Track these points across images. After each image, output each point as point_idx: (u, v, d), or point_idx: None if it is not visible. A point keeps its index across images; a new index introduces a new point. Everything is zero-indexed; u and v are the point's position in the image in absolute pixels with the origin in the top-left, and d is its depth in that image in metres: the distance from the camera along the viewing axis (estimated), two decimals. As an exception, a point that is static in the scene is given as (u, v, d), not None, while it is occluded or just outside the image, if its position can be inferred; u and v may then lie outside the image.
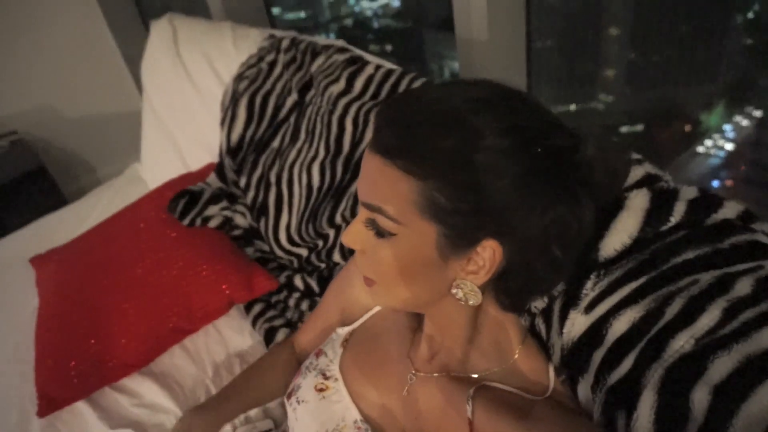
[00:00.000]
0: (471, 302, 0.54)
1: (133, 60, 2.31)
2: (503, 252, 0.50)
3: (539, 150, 0.48)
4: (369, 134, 1.00)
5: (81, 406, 1.02)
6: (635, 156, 0.68)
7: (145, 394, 1.04)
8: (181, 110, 1.54)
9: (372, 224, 0.53)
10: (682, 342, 0.50)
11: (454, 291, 0.54)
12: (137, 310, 1.07)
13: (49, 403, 1.01)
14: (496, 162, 0.47)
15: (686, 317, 0.51)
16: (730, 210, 0.58)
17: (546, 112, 0.53)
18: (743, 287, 0.50)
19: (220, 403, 0.85)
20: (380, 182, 0.50)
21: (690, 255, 0.55)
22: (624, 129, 1.56)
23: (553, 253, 0.52)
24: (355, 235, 0.55)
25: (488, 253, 0.51)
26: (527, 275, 0.54)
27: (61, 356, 1.05)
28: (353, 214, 0.99)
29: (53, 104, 2.55)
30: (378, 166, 0.50)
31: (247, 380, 0.89)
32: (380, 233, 0.52)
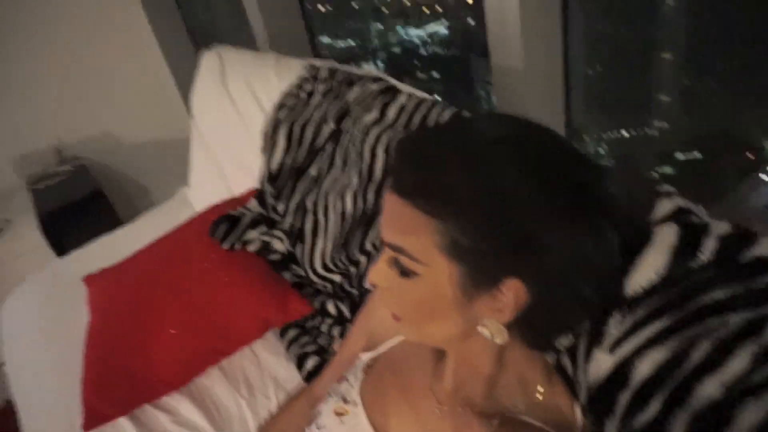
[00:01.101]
0: (497, 341, 0.53)
1: (185, 88, 2.43)
2: (527, 290, 0.49)
3: (561, 186, 0.48)
4: (390, 167, 1.01)
5: (122, 422, 1.06)
6: (666, 189, 0.66)
7: (182, 413, 1.07)
8: (227, 137, 1.61)
9: (395, 264, 0.53)
10: (711, 389, 0.48)
11: (480, 329, 0.54)
12: (178, 331, 1.11)
13: (94, 417, 1.05)
14: (517, 200, 0.47)
15: (714, 362, 0.49)
16: (765, 247, 0.56)
17: (568, 145, 0.52)
18: None
19: None
20: (401, 223, 0.50)
21: (720, 295, 0.53)
22: (680, 156, 1.51)
23: (578, 290, 0.51)
24: (380, 272, 0.55)
25: (512, 292, 0.50)
26: (553, 312, 0.53)
27: (106, 372, 1.09)
28: (382, 242, 1.00)
29: (112, 131, 2.71)
30: (398, 207, 0.50)
31: None
32: (404, 272, 0.52)
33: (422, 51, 2.00)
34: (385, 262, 0.55)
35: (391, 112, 1.07)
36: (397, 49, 2.12)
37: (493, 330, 0.53)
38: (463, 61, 1.88)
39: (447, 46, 1.94)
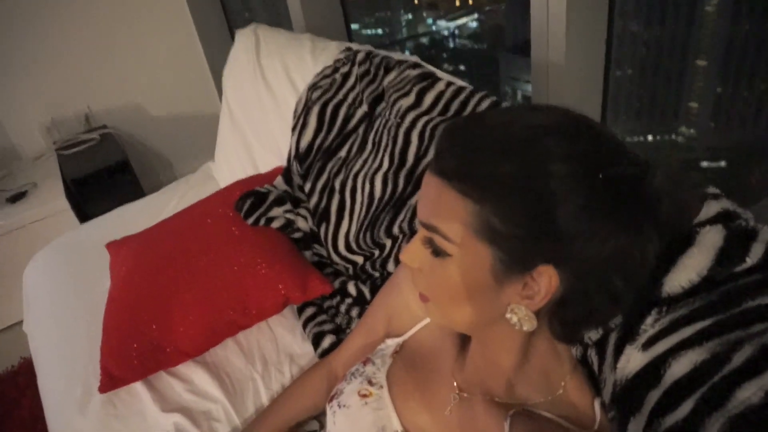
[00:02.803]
0: (525, 328, 0.53)
1: (217, 67, 2.45)
2: (560, 279, 0.50)
3: (603, 177, 0.47)
4: (434, 149, 1.00)
5: (138, 387, 1.08)
6: (713, 191, 0.64)
7: (196, 382, 1.08)
8: (256, 115, 1.61)
9: (429, 243, 0.53)
10: (750, 393, 0.46)
11: (508, 316, 0.54)
12: (197, 301, 1.12)
13: (111, 380, 1.06)
14: (557, 188, 0.47)
15: (756, 366, 0.47)
16: None
17: (612, 138, 0.51)
18: None
19: None
20: (438, 204, 0.51)
21: (766, 300, 0.51)
22: (705, 164, 1.48)
23: (612, 284, 0.51)
24: (413, 253, 0.56)
25: (544, 280, 0.50)
26: (584, 305, 0.53)
27: (125, 338, 1.10)
28: (411, 227, 0.99)
29: (141, 103, 2.74)
30: (436, 188, 0.51)
31: (276, 406, 0.94)
32: (437, 252, 0.53)
33: (450, 43, 1.99)
34: (419, 242, 0.55)
35: (428, 99, 1.07)
36: (425, 40, 2.11)
37: (521, 316, 0.53)
38: (491, 56, 1.87)
39: (476, 40, 1.93)
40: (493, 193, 0.48)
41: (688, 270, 0.56)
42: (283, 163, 1.45)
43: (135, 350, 1.09)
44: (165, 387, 1.08)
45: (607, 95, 1.39)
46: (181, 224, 1.36)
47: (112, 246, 1.43)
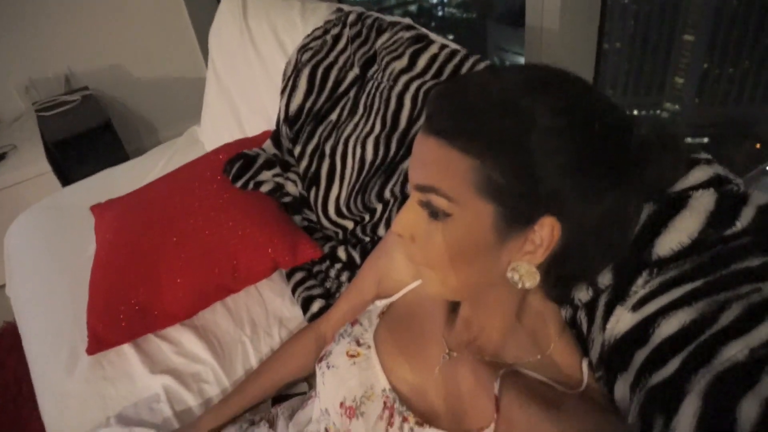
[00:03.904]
0: (528, 285, 0.53)
1: (202, 27, 2.38)
2: (560, 228, 0.50)
3: (593, 129, 0.48)
4: (426, 111, 0.99)
5: (126, 349, 1.07)
6: (705, 156, 0.65)
7: (185, 344, 1.08)
8: (244, 78, 1.58)
9: (427, 206, 0.52)
10: (736, 350, 0.47)
11: (509, 275, 0.53)
12: (185, 265, 1.11)
13: (98, 342, 1.06)
14: (552, 141, 0.47)
15: (743, 326, 0.48)
16: None
17: (599, 93, 0.52)
18: None
19: (231, 397, 0.91)
20: (435, 163, 0.50)
21: (754, 263, 0.52)
22: (688, 140, 1.49)
23: (608, 236, 0.53)
24: (407, 221, 0.55)
25: (546, 231, 0.50)
26: (581, 259, 0.54)
27: (112, 300, 1.09)
28: (403, 191, 0.99)
29: (124, 64, 2.66)
30: (433, 148, 0.50)
31: (265, 368, 0.94)
32: (435, 214, 0.52)
33: (439, 12, 1.96)
34: (412, 210, 0.54)
35: (422, 62, 1.05)
36: (413, 8, 2.08)
37: (523, 273, 0.53)
38: (479, 25, 1.84)
39: (464, 9, 1.90)
40: (494, 149, 0.48)
41: (680, 232, 0.56)
42: (271, 126, 1.42)
43: (122, 312, 1.08)
44: (153, 349, 1.08)
45: (599, 66, 1.38)
46: (168, 187, 1.34)
47: (97, 209, 1.41)
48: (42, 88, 2.45)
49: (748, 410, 0.43)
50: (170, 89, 2.76)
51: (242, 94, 1.60)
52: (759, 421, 0.42)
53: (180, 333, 1.10)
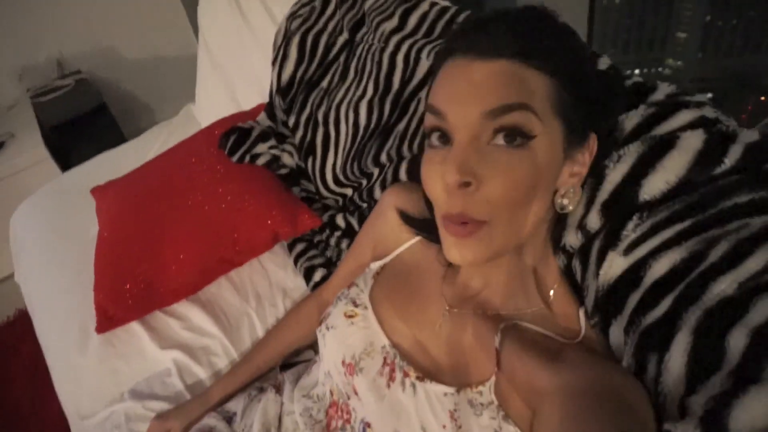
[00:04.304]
0: (571, 207, 0.56)
1: (191, 3, 2.33)
2: (598, 141, 0.56)
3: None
4: (420, 72, 0.97)
5: (135, 327, 1.09)
6: (698, 99, 0.64)
7: (193, 319, 1.09)
8: (236, 51, 1.55)
9: (508, 131, 0.49)
10: (725, 285, 0.48)
11: (559, 201, 0.56)
12: (187, 241, 1.11)
13: (107, 320, 1.07)
14: (588, 56, 0.56)
15: (731, 261, 0.48)
16: None
17: None
18: None
19: (239, 367, 0.93)
20: (511, 83, 0.49)
21: (742, 199, 0.52)
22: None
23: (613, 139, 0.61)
24: (467, 161, 0.49)
25: (590, 146, 0.55)
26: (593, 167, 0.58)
27: (117, 279, 1.10)
28: (399, 153, 0.97)
29: (114, 46, 2.62)
30: (502, 70, 0.50)
31: (271, 337, 0.96)
32: (515, 139, 0.49)
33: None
34: (470, 147, 0.50)
35: (413, 21, 1.02)
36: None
37: (570, 195, 0.56)
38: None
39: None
40: (563, 66, 0.51)
41: (667, 172, 0.56)
42: (266, 99, 1.41)
43: (128, 291, 1.09)
44: (162, 325, 1.09)
45: (593, 25, 1.34)
46: (166, 165, 1.33)
47: (97, 191, 1.41)
48: (34, 74, 2.42)
49: (736, 341, 0.44)
50: (163, 68, 2.73)
51: (235, 68, 1.58)
52: (747, 350, 0.43)
53: (187, 309, 1.11)
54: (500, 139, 0.50)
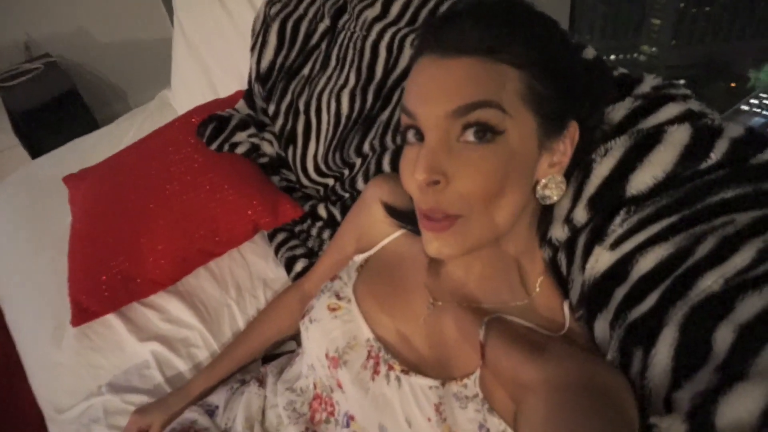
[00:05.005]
0: (555, 198, 0.56)
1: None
2: (580, 130, 0.55)
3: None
4: (403, 61, 0.96)
5: (112, 319, 1.07)
6: (683, 91, 0.64)
7: (171, 311, 1.07)
8: (213, 37, 1.52)
9: (476, 127, 0.50)
10: (711, 281, 0.48)
11: (541, 192, 0.56)
12: (165, 231, 1.09)
13: (82, 313, 1.05)
14: (568, 45, 0.55)
15: (717, 257, 0.49)
16: None
17: None
18: None
19: (220, 359, 0.91)
20: (479, 79, 0.49)
21: (728, 194, 0.52)
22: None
23: (600, 132, 0.60)
24: (436, 160, 0.50)
25: (573, 135, 0.55)
26: (586, 151, 0.59)
27: (93, 270, 1.08)
28: (382, 143, 0.97)
29: (85, 28, 2.54)
30: (470, 65, 0.50)
31: (252, 329, 0.94)
32: (484, 135, 0.50)
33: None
34: (439, 145, 0.51)
35: (395, 8, 1.01)
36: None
37: (552, 185, 0.56)
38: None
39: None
40: (534, 57, 0.50)
41: (654, 167, 0.57)
42: (245, 86, 1.38)
43: (104, 282, 1.07)
44: (139, 317, 1.07)
45: (575, 13, 1.35)
46: (142, 153, 1.30)
47: (70, 179, 1.37)
48: (0, 56, 2.34)
49: (723, 337, 0.44)
50: (136, 52, 2.65)
51: (213, 54, 1.54)
52: (733, 346, 0.43)
53: (165, 300, 1.09)
54: (470, 136, 0.50)
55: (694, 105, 0.60)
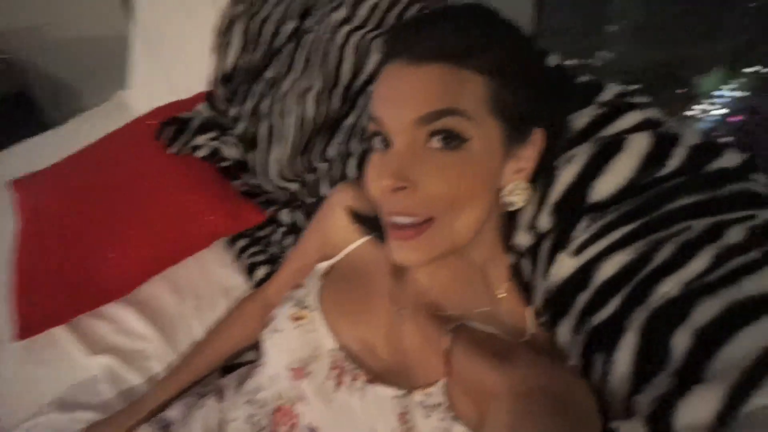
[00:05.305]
0: (522, 203, 0.56)
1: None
2: (545, 136, 0.55)
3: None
4: (370, 65, 0.95)
5: (60, 332, 1.00)
6: (641, 100, 0.65)
7: (125, 322, 1.02)
8: (173, 35, 1.47)
9: (442, 134, 0.50)
10: (669, 287, 0.49)
11: (506, 198, 0.56)
12: (120, 238, 1.05)
13: (27, 326, 0.98)
14: (533, 53, 0.55)
15: (675, 262, 0.50)
16: (729, 159, 0.57)
17: None
18: (735, 235, 0.49)
19: (178, 371, 0.88)
20: (446, 86, 0.49)
21: (685, 201, 0.54)
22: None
23: (562, 144, 0.60)
24: (402, 166, 0.51)
25: (538, 142, 0.55)
26: (551, 156, 0.59)
27: (40, 281, 1.02)
28: (348, 148, 0.95)
29: (37, 24, 2.43)
30: (438, 72, 0.50)
31: (212, 338, 0.91)
32: (450, 142, 0.50)
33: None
34: (407, 151, 0.51)
35: (363, 11, 0.99)
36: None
37: (517, 191, 0.56)
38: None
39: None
40: (501, 65, 0.50)
41: (616, 175, 0.58)
42: (206, 87, 1.34)
43: (51, 293, 1.01)
44: (91, 329, 1.01)
45: (542, 15, 1.37)
46: (98, 156, 1.25)
47: (19, 183, 1.30)
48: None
49: (680, 341, 0.45)
50: (91, 51, 2.54)
51: (172, 53, 1.49)
52: (690, 351, 0.45)
53: (118, 310, 1.03)
54: (436, 142, 0.51)
55: (654, 113, 0.62)
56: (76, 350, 0.98)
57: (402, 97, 0.51)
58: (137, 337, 0.99)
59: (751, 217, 0.51)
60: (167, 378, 0.87)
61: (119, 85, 1.75)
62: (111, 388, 0.93)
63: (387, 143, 0.53)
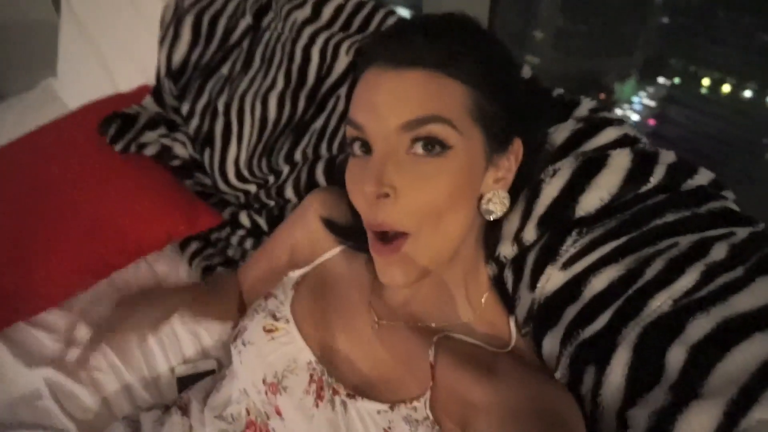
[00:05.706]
0: (499, 213, 0.56)
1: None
2: (524, 146, 0.56)
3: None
4: (339, 68, 0.93)
5: (-9, 342, 0.92)
6: (618, 116, 0.68)
7: (65, 330, 0.95)
8: (110, 22, 1.37)
9: (425, 141, 0.50)
10: (660, 302, 0.51)
11: (485, 207, 0.56)
12: (60, 242, 0.97)
13: (-47, 337, 0.90)
14: (512, 65, 0.57)
15: (665, 278, 0.52)
16: (702, 177, 0.60)
17: None
18: (719, 252, 0.52)
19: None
20: (430, 93, 0.49)
21: (670, 218, 0.56)
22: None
23: (543, 155, 0.62)
24: (382, 173, 0.50)
25: (517, 151, 0.56)
26: (531, 166, 0.60)
27: (-33, 286, 0.93)
28: (316, 152, 0.93)
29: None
30: (422, 79, 0.49)
31: (196, 292, 0.81)
32: (433, 149, 0.50)
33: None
34: (389, 158, 0.50)
35: (327, 12, 0.97)
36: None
37: (496, 200, 0.56)
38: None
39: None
40: (483, 75, 0.51)
41: (601, 190, 0.59)
42: (150, 79, 1.26)
43: (-18, 300, 0.92)
44: (27, 339, 0.93)
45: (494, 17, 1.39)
46: (31, 153, 1.14)
47: (-67, 178, 1.17)
48: None
49: (675, 357, 0.47)
50: (14, 32, 2.34)
51: (109, 41, 1.39)
52: (685, 366, 0.46)
53: (59, 318, 0.96)
54: (418, 148, 0.50)
55: (629, 129, 0.64)
56: (11, 363, 0.90)
57: (385, 103, 0.50)
58: (79, 346, 0.93)
59: (731, 234, 0.54)
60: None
61: (49, 72, 1.62)
62: (54, 403, 0.86)
63: (367, 149, 0.52)
